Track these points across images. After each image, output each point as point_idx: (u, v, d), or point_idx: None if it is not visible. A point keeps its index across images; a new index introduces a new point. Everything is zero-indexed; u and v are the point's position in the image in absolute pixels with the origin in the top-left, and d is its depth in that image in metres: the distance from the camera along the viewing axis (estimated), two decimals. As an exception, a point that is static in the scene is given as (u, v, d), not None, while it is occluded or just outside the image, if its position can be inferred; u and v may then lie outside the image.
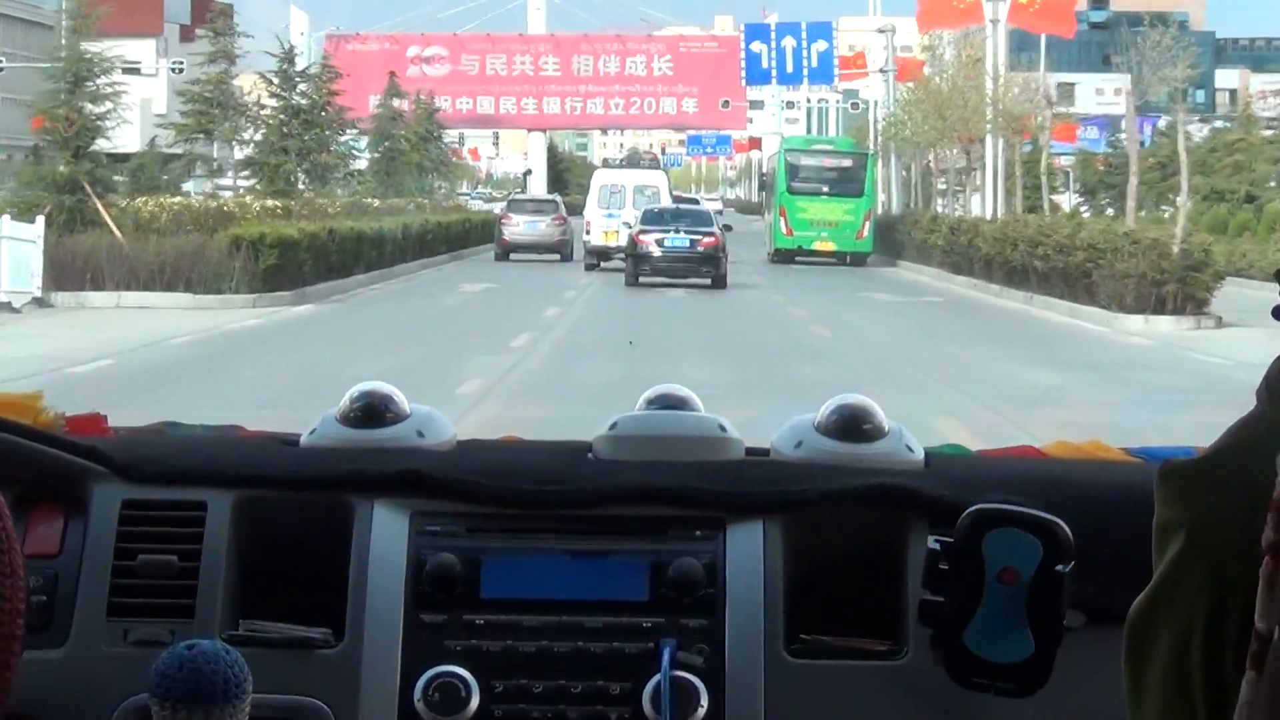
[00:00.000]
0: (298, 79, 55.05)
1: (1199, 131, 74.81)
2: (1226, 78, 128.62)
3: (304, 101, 54.64)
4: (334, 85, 56.12)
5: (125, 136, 41.92)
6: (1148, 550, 1.70)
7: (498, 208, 65.62)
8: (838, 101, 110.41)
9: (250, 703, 2.40)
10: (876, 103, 73.18)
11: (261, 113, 53.96)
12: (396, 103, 69.96)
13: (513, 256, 54.72)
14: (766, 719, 2.96)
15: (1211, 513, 1.64)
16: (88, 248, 34.26)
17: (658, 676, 2.92)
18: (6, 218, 33.71)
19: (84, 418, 3.26)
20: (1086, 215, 67.38)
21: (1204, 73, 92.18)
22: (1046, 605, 2.77)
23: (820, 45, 75.51)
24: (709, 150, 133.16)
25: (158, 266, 33.73)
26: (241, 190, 52.82)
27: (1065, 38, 59.33)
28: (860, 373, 22.02)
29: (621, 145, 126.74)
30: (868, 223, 55.86)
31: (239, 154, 54.71)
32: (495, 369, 21.77)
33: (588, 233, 51.08)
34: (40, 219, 33.98)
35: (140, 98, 58.69)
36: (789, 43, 75.20)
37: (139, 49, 64.22)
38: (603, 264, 49.18)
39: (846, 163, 57.41)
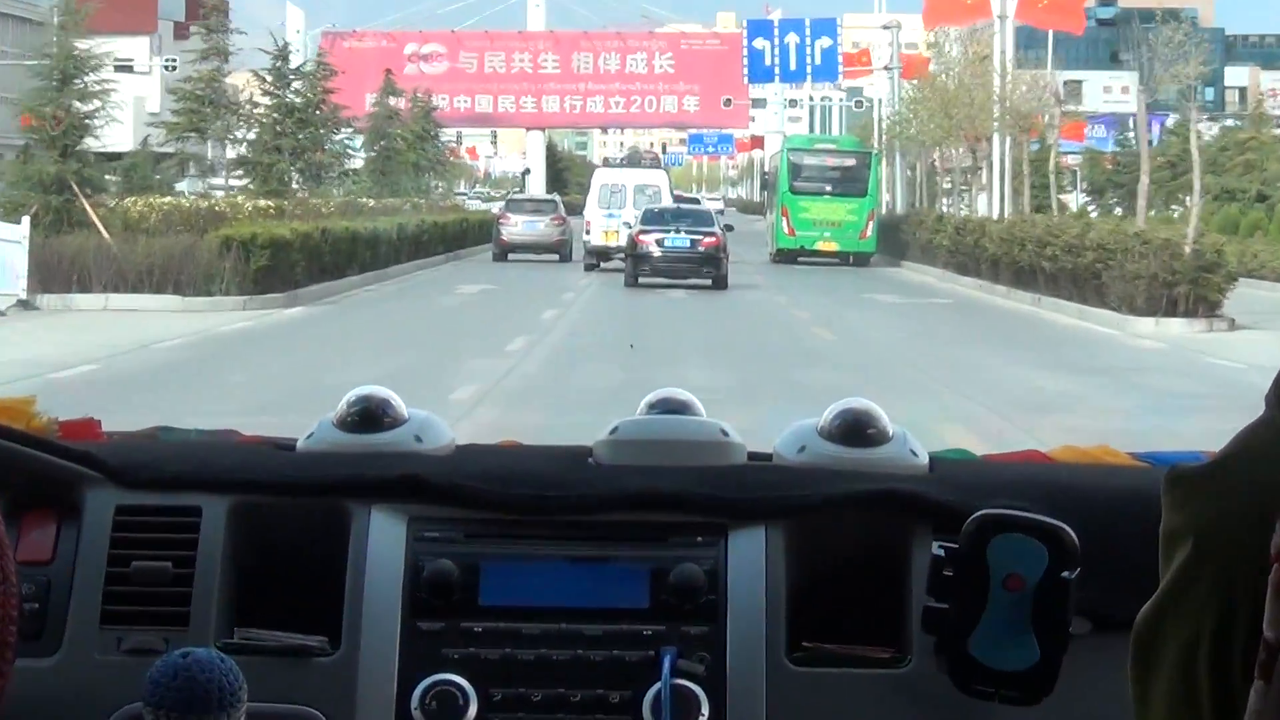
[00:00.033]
0: (292, 76, 55.03)
1: (1209, 130, 74.69)
2: (1236, 75, 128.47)
3: (298, 99, 54.62)
4: (329, 83, 56.09)
5: (118, 135, 41.85)
6: (1154, 557, 1.71)
7: (496, 207, 65.63)
8: (841, 100, 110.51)
9: (246, 712, 2.41)
10: (881, 101, 73.17)
11: (255, 111, 53.94)
12: (393, 101, 69.95)
13: (511, 257, 54.73)
14: (769, 728, 2.97)
15: (1220, 520, 1.65)
16: (75, 249, 34.11)
17: (658, 685, 2.93)
18: (-8, 218, 33.68)
19: (77, 422, 3.26)
20: (1094, 215, 67.33)
21: (1213, 70, 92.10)
22: (1052, 612, 2.78)
23: (824, 42, 75.45)
24: (710, 149, 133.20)
25: (146, 268, 33.59)
26: (234, 190, 52.79)
27: (1075, 34, 59.34)
28: (864, 376, 22.00)
29: (622, 144, 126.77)
30: (871, 223, 55.87)
31: (231, 153, 54.68)
32: (490, 374, 21.71)
33: (588, 233, 51.11)
34: (26, 219, 33.91)
35: (134, 96, 58.67)
36: (792, 39, 75.15)
37: (133, 46, 64.23)
38: (603, 264, 49.19)
39: (850, 162, 57.43)
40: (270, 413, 15.78)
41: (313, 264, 37.17)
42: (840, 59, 76.89)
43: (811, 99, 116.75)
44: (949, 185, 65.53)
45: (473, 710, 2.95)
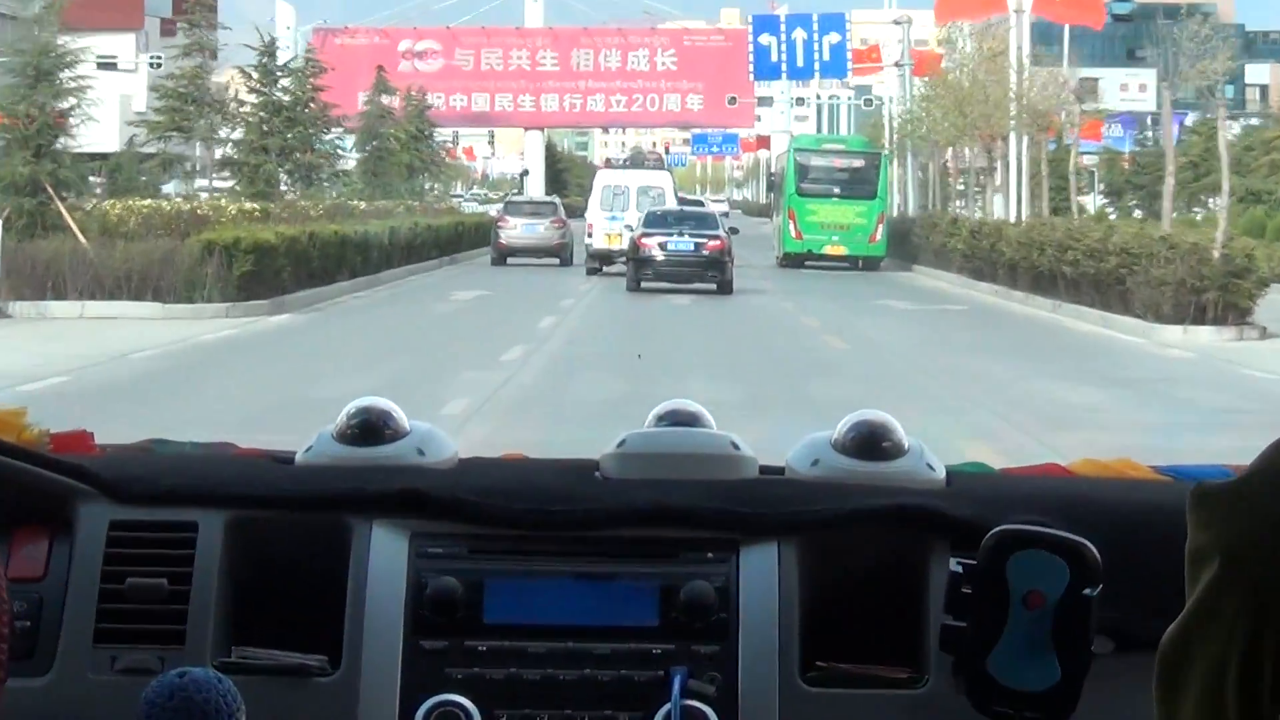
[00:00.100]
0: (279, 73, 54.96)
1: (1230, 129, 74.61)
2: (1256, 73, 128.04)
3: (286, 98, 54.56)
4: (320, 81, 56.02)
5: (103, 135, 41.62)
6: (1179, 574, 1.72)
7: (494, 210, 65.59)
8: (849, 98, 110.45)
9: (245, 732, 2.43)
10: (891, 99, 73.12)
11: (241, 109, 53.86)
12: (386, 99, 69.85)
13: (510, 261, 54.69)
14: (782, 750, 2.99)
15: (1248, 539, 1.65)
16: (49, 254, 33.64)
17: (668, 706, 2.94)
18: (-40, 222, 33.39)
19: (70, 435, 3.27)
20: (1113, 217, 67.29)
21: (1236, 67, 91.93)
22: (1073, 630, 2.79)
23: (833, 38, 75.42)
24: (715, 149, 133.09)
25: (125, 274, 33.25)
26: (220, 192, 52.66)
27: (1094, 29, 59.31)
28: (877, 386, 21.94)
29: (623, 144, 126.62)
30: (881, 226, 55.82)
31: (217, 153, 54.58)
32: (483, 386, 21.56)
33: (589, 236, 51.07)
34: (-2, 222, 33.72)
35: (120, 95, 58.55)
36: (799, 35, 75.10)
37: (118, 43, 64.11)
38: (605, 268, 49.15)
39: (859, 163, 57.38)
40: (249, 429, 15.68)
41: (300, 269, 37.03)
42: (849, 55, 76.87)
43: (819, 97, 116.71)
44: (962, 187, 65.47)
45: (477, 732, 2.97)
